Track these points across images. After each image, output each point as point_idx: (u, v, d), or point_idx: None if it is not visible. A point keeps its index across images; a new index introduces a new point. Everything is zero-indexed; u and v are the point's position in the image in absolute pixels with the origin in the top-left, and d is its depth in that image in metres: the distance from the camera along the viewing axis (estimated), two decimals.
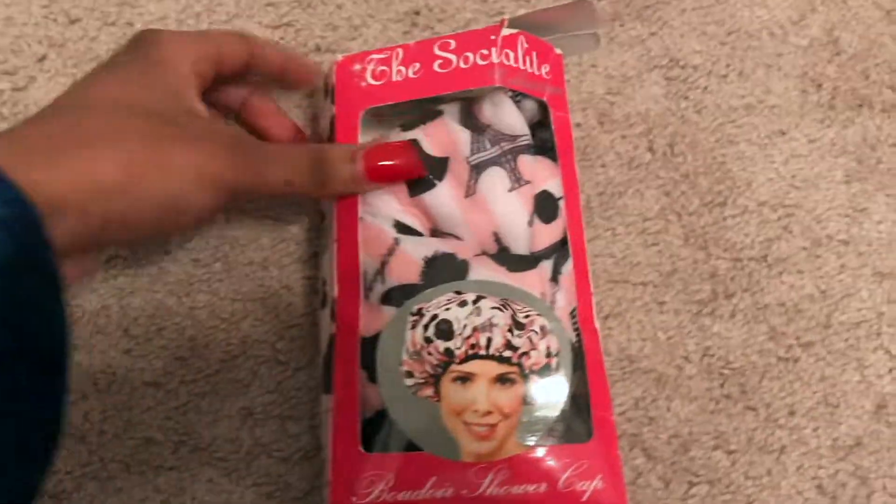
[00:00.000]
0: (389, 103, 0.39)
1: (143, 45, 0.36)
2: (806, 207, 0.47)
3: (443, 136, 0.39)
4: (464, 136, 0.39)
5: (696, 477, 0.41)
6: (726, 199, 0.46)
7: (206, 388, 0.41)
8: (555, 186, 0.39)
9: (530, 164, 0.39)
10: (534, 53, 0.40)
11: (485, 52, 0.38)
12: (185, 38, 0.36)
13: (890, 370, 0.44)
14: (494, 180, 0.38)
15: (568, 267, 0.38)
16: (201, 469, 0.40)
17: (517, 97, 0.40)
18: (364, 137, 0.39)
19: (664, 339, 0.44)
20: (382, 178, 0.37)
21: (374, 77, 0.39)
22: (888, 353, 0.44)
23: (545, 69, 0.40)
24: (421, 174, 0.37)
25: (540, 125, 0.41)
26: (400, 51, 0.39)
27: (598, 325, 0.38)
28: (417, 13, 0.49)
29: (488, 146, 0.38)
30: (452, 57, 0.39)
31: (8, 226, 0.23)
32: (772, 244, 0.46)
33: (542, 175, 0.39)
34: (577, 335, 0.37)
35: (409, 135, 0.39)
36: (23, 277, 0.24)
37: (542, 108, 0.41)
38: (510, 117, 0.39)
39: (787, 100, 0.49)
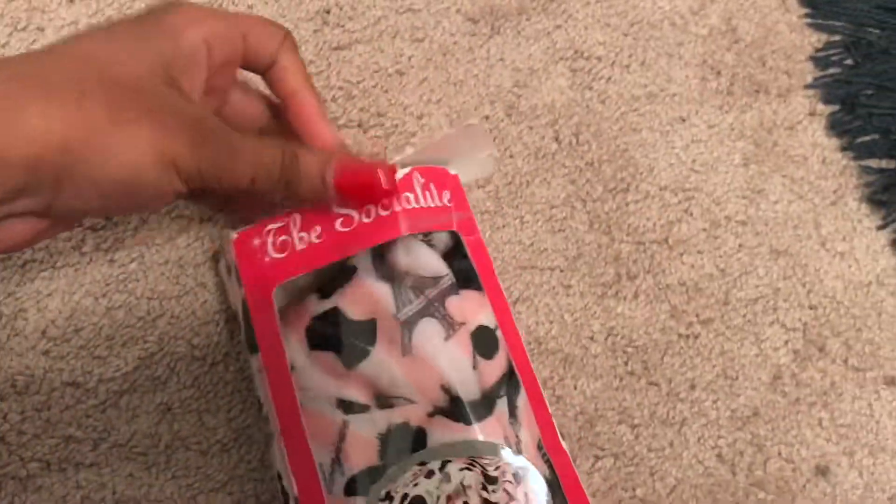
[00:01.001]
0: (300, 274, 0.36)
1: (158, 10, 0.34)
2: (705, 190, 0.49)
3: (364, 297, 0.37)
4: (385, 291, 0.37)
5: (602, 451, 0.43)
6: (629, 185, 0.48)
7: (124, 385, 0.42)
8: (487, 318, 0.38)
9: (459, 304, 0.37)
10: (432, 185, 0.38)
11: (384, 201, 0.36)
12: (207, 13, 0.34)
13: (786, 343, 0.46)
14: (428, 333, 0.36)
15: (522, 398, 0.37)
16: (121, 464, 0.41)
17: (428, 236, 0.39)
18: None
19: (570, 320, 0.45)
20: (351, 195, 0.35)
21: (277, 249, 0.36)
22: (784, 326, 0.47)
23: (447, 196, 0.39)
24: (393, 195, 0.36)
25: (454, 253, 0.39)
26: (297, 216, 0.37)
27: (564, 444, 0.38)
28: (328, 12, 0.50)
29: (413, 297, 0.37)
30: (353, 213, 0.36)
31: None
32: (673, 227, 0.48)
33: (473, 310, 0.37)
34: (550, 466, 0.37)
35: (329, 302, 0.37)
36: None
37: (453, 235, 0.39)
38: (426, 259, 0.38)
39: (688, 87, 0.51)
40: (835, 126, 0.51)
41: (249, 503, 0.41)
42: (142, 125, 0.29)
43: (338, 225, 0.36)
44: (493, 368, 0.37)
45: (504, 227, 0.47)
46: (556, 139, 0.49)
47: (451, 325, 0.36)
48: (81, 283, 0.43)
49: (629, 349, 0.45)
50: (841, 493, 0.44)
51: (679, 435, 0.44)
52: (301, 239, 0.36)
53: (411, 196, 0.37)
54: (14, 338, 0.42)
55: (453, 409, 0.35)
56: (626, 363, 0.45)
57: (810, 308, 0.47)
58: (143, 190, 0.30)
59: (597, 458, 0.43)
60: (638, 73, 0.51)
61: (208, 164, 0.32)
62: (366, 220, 0.36)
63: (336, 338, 0.36)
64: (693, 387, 0.45)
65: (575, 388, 0.44)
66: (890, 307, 0.48)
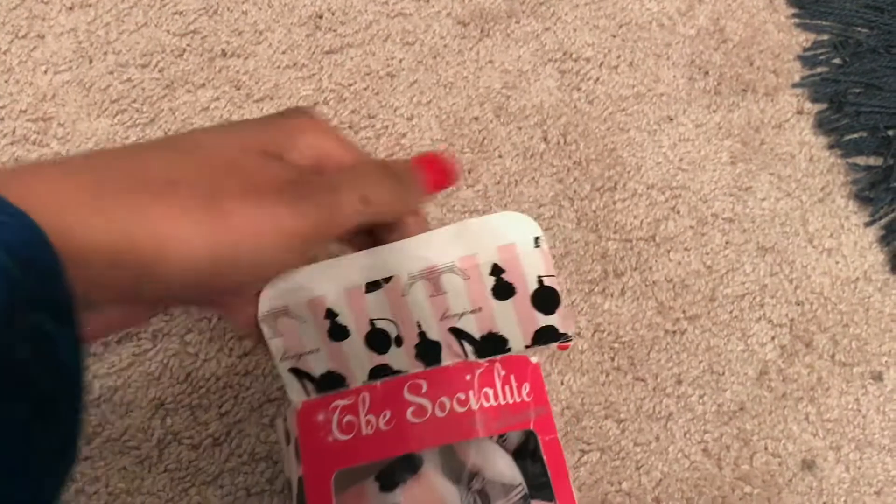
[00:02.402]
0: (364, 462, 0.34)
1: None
2: (693, 188, 0.49)
3: (428, 496, 0.34)
4: (451, 493, 0.34)
5: (588, 445, 0.44)
6: (616, 184, 0.49)
7: (118, 381, 0.43)
8: None
9: None
10: (512, 377, 0.35)
11: (461, 395, 0.33)
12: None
13: (772, 338, 0.47)
14: None
15: None
16: (115, 458, 0.42)
17: (503, 437, 0.36)
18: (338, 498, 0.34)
19: None
20: (439, 187, 0.34)
21: (342, 430, 0.33)
22: (770, 322, 0.47)
23: (526, 390, 0.35)
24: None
25: (526, 452, 0.36)
26: (366, 395, 0.34)
27: None
28: (320, 17, 0.51)
29: None
30: (426, 403, 0.33)
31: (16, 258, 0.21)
32: (660, 224, 0.48)
33: None
34: None
35: (390, 497, 0.34)
36: (28, 313, 0.22)
37: (528, 432, 0.36)
38: (499, 464, 0.35)
39: (675, 87, 0.52)
40: (822, 124, 0.52)
41: (240, 496, 0.41)
42: (247, 212, 0.28)
43: (409, 414, 0.33)
44: None
45: None
46: (545, 139, 0.50)
47: None
48: None
49: (616, 345, 0.46)
50: (827, 487, 0.44)
51: (665, 429, 0.45)
52: (368, 423, 0.33)
53: (490, 392, 0.34)
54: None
55: None
56: (612, 359, 0.46)
57: (797, 304, 0.48)
58: (260, 271, 0.30)
59: (583, 452, 0.44)
60: (626, 73, 0.52)
61: (322, 221, 0.30)
62: (440, 415, 0.33)
63: None
64: (679, 382, 0.45)
65: (562, 383, 0.45)
66: (877, 303, 0.48)
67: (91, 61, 0.48)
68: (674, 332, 0.46)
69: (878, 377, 0.47)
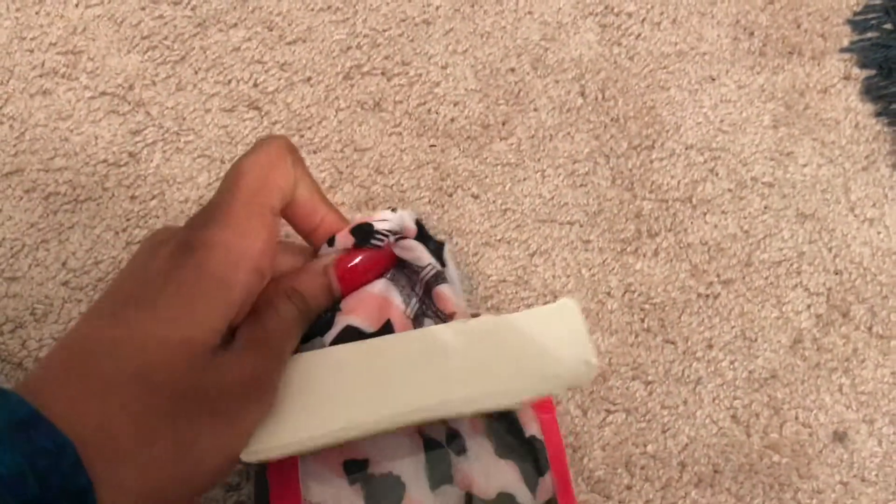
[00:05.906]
0: None
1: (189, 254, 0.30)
2: (732, 151, 0.48)
3: (372, 303, 0.35)
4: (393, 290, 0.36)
5: (614, 405, 0.43)
6: (654, 143, 0.48)
7: None
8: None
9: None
10: None
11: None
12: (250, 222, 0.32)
13: (808, 307, 0.46)
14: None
15: None
16: None
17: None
18: None
19: (588, 275, 0.45)
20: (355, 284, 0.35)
21: None
22: (807, 290, 0.46)
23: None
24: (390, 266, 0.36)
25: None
26: None
27: None
28: None
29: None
30: None
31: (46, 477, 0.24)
32: (697, 186, 0.47)
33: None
34: None
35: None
36: None
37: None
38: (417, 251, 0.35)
39: (719, 47, 0.50)
40: (870, 91, 0.50)
41: None
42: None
43: None
44: None
45: (525, 179, 0.46)
46: (582, 94, 0.48)
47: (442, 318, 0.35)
48: (103, 217, 0.44)
49: (646, 306, 0.45)
50: (858, 460, 0.43)
51: (694, 394, 0.43)
52: None
53: None
54: (35, 267, 0.43)
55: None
56: (642, 320, 0.44)
57: (835, 273, 0.46)
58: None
59: (608, 412, 0.43)
60: (669, 30, 0.50)
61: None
62: None
63: None
64: (710, 346, 0.44)
65: None
66: None
67: None
68: (707, 295, 0.45)
69: None
